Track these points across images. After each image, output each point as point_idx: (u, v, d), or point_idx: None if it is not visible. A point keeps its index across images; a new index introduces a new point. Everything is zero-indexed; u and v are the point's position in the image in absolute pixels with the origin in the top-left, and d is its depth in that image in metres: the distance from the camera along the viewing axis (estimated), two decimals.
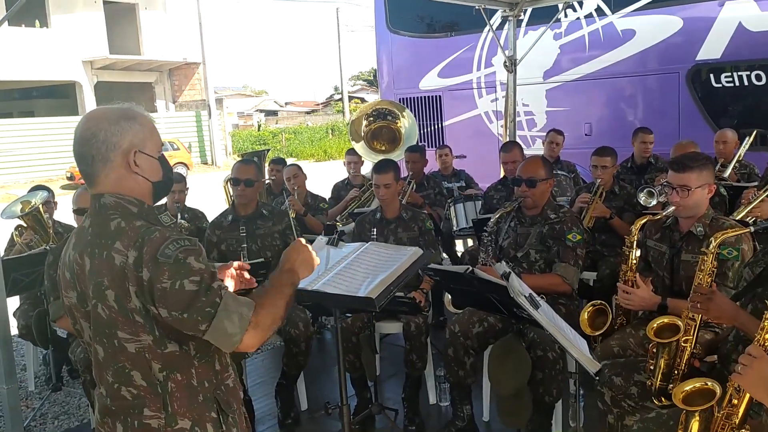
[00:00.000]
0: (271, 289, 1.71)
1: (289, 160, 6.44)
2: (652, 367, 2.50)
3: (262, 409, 3.93)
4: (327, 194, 6.06)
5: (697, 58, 7.12)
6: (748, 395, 1.76)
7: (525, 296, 2.14)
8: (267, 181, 6.10)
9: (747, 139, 5.74)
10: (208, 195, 4.25)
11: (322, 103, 49.33)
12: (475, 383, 3.41)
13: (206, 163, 25.34)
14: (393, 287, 2.27)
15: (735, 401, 1.78)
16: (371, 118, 6.58)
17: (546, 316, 2.15)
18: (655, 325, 2.49)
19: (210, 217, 4.43)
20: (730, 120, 6.97)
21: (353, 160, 6.21)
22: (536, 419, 3.16)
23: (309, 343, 3.68)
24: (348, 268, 2.41)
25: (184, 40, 25.35)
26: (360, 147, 6.43)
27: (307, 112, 45.72)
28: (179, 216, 4.63)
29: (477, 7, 6.26)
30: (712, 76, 7.11)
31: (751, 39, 6.74)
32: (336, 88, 45.48)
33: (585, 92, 8.01)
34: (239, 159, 4.63)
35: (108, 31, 23.51)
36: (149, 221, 1.67)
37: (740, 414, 1.78)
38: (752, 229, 2.49)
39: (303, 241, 1.89)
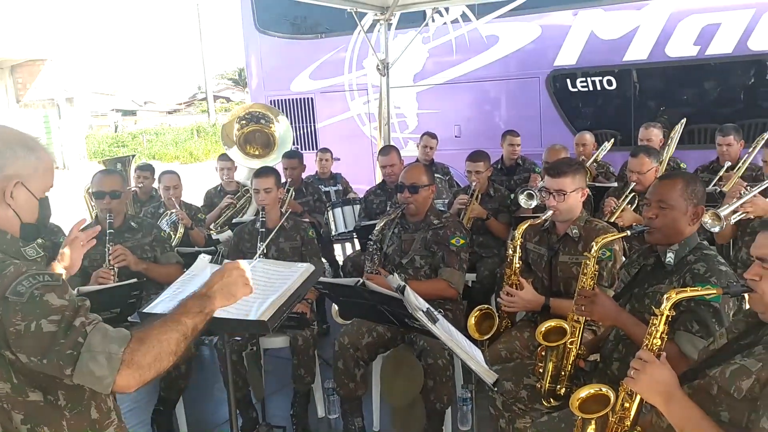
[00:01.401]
0: (166, 318, 1.54)
1: (154, 165, 6.03)
2: (541, 370, 2.57)
3: None
4: (196, 200, 5.74)
5: (555, 64, 7.54)
6: (638, 398, 1.82)
7: (423, 311, 2.10)
8: (133, 189, 5.69)
9: (607, 145, 6.15)
10: (62, 203, 3.87)
11: (185, 103, 47.34)
12: (365, 394, 3.36)
13: (57, 168, 23.43)
14: (286, 307, 2.15)
15: (627, 404, 1.85)
16: (243, 122, 6.35)
17: (444, 330, 2.13)
18: (543, 329, 2.56)
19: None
20: (586, 122, 7.46)
21: (226, 165, 5.94)
22: (428, 425, 3.16)
23: (190, 365, 3.45)
24: None
25: (27, 35, 23.25)
26: (233, 152, 6.18)
27: (169, 112, 43.71)
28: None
29: (348, 9, 6.21)
30: (568, 81, 7.56)
31: (602, 46, 7.25)
32: (199, 87, 43.83)
33: (454, 95, 8.23)
34: (102, 168, 4.23)
35: None
36: (8, 254, 1.48)
37: (632, 416, 1.85)
38: (629, 233, 2.62)
39: (242, 263, 1.72)
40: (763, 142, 4.88)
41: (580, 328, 2.56)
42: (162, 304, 2.29)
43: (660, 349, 1.81)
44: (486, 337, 3.07)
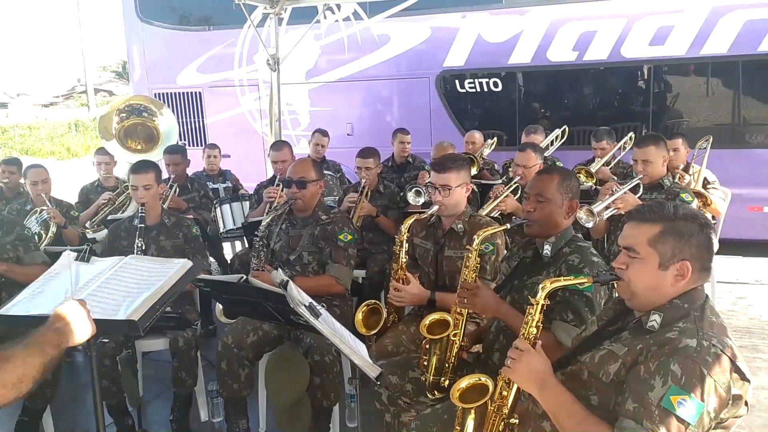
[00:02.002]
0: (29, 343, 1.52)
1: (26, 160, 5.59)
2: (425, 363, 2.59)
3: None
4: (72, 198, 5.37)
5: (444, 64, 7.71)
6: (515, 386, 1.86)
7: (305, 305, 2.05)
8: None
9: (490, 141, 6.36)
10: None
11: (63, 96, 44.47)
12: (250, 395, 3.25)
13: None
14: (159, 306, 2.03)
15: (505, 393, 1.88)
16: (123, 115, 6.02)
17: (327, 324, 2.08)
18: (427, 322, 2.58)
19: None
20: (474, 122, 7.68)
21: (104, 160, 5.59)
22: (314, 423, 3.10)
23: (57, 374, 3.20)
24: (103, 288, 2.10)
25: None
26: (112, 146, 5.84)
27: (45, 105, 40.90)
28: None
29: (237, 2, 6.03)
30: (457, 82, 7.75)
31: (489, 49, 7.48)
32: (79, 80, 41.30)
33: (346, 93, 8.22)
34: None
35: None
36: None
37: (509, 404, 1.88)
38: (508, 226, 2.69)
39: (72, 305, 1.69)
40: (630, 141, 5.23)
41: (463, 320, 2.60)
42: (20, 305, 2.12)
43: (536, 337, 1.85)
44: (373, 332, 3.06)
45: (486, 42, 7.49)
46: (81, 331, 1.70)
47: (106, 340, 3.11)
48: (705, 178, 4.81)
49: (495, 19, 7.42)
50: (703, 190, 4.60)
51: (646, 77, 7.23)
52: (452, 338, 2.57)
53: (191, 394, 3.45)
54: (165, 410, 3.53)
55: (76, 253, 2.26)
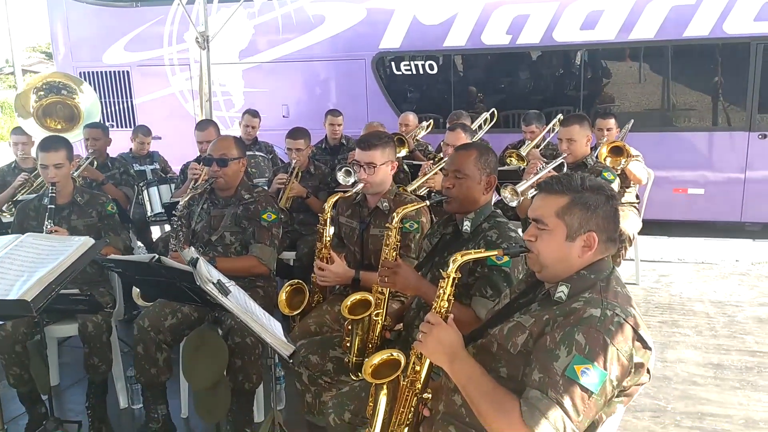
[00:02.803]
0: None
1: None
2: (348, 345, 2.54)
3: None
4: None
5: (380, 46, 7.65)
6: (428, 361, 1.84)
7: (213, 283, 1.98)
8: None
9: (425, 124, 6.36)
10: None
11: None
12: (170, 379, 3.15)
13: None
14: (56, 285, 1.92)
15: (417, 368, 1.86)
16: (42, 93, 5.72)
17: (237, 302, 2.01)
18: (348, 303, 2.53)
19: None
20: (410, 105, 7.66)
21: (21, 140, 5.30)
22: (237, 408, 3.03)
23: None
24: None
25: None
26: (29, 124, 5.55)
27: None
28: None
29: None
30: (393, 64, 7.71)
31: (424, 31, 7.46)
32: (7, 61, 39.33)
33: (281, 74, 8.06)
34: None
35: None
36: None
37: (422, 379, 1.86)
38: (428, 202, 2.67)
39: None
40: (556, 122, 5.32)
41: (384, 299, 2.57)
42: None
43: (447, 311, 1.83)
44: (297, 312, 3.01)
45: (422, 24, 7.46)
46: None
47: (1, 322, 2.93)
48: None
49: (430, 1, 7.39)
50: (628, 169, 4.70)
51: (577, 61, 7.35)
52: (374, 318, 2.54)
53: (106, 380, 3.32)
54: (81, 398, 3.39)
55: None
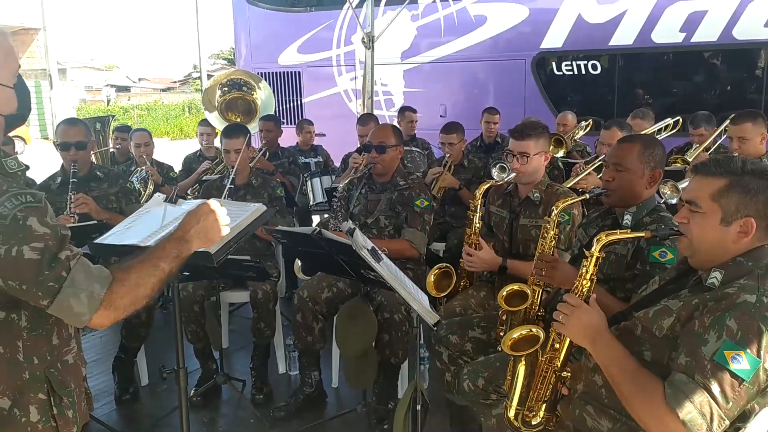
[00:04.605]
0: (144, 261, 1.49)
1: None
2: (501, 334, 2.57)
3: (98, 386, 3.66)
4: (177, 168, 5.75)
5: (542, 46, 7.56)
6: (568, 340, 1.86)
7: (367, 249, 2.13)
8: (111, 150, 5.70)
9: (584, 124, 6.20)
10: (48, 172, 3.94)
11: (179, 81, 47.08)
12: (323, 349, 3.39)
13: (47, 138, 23.31)
14: (234, 242, 2.17)
15: (557, 345, 1.88)
16: (225, 89, 6.35)
17: (387, 269, 2.16)
18: (505, 293, 2.53)
19: None
20: (570, 106, 7.47)
21: (206, 131, 5.95)
22: (383, 381, 3.20)
23: (151, 314, 3.48)
24: None
25: (21, 3, 23.05)
26: (214, 117, 6.18)
27: (163, 90, 43.48)
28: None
29: None
30: (554, 63, 7.58)
31: (589, 30, 7.26)
32: (195, 66, 43.51)
33: (440, 75, 8.23)
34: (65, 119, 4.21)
35: None
36: None
37: (562, 357, 1.88)
38: (587, 196, 2.63)
39: (213, 203, 1.66)
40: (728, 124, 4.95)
41: (539, 291, 2.56)
42: (114, 236, 2.32)
43: (590, 291, 1.84)
44: (443, 294, 3.10)
45: (586, 23, 7.28)
46: (207, 234, 1.63)
47: (187, 279, 3.28)
48: None
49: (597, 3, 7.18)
50: None
51: (761, 62, 6.77)
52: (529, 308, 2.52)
53: (269, 345, 3.64)
54: (247, 360, 3.75)
55: (164, 195, 2.45)
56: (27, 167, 1.55)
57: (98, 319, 1.39)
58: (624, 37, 7.11)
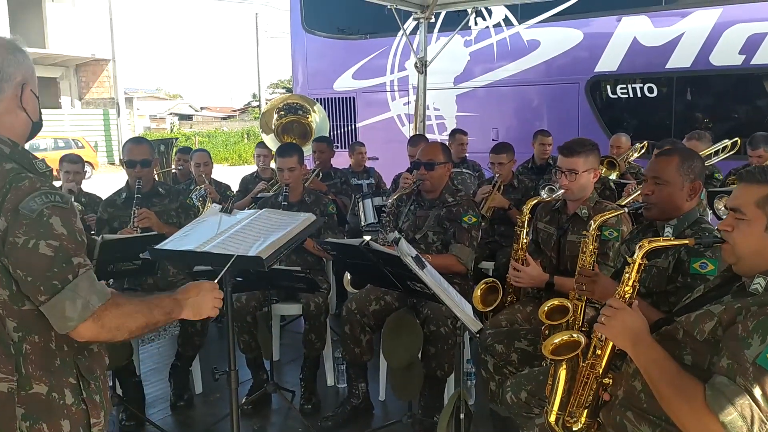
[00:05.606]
0: (143, 301, 1.61)
1: None
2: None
3: (154, 392, 3.82)
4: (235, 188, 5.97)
5: (596, 69, 7.53)
6: (610, 345, 1.86)
7: (411, 257, 2.20)
8: (173, 171, 5.96)
9: (638, 146, 6.12)
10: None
11: (239, 110, 48.51)
12: (371, 362, 3.45)
13: (113, 164, 24.38)
14: (284, 249, 2.28)
15: (599, 351, 1.89)
16: (282, 112, 6.56)
17: (432, 277, 2.21)
18: (546, 308, 2.55)
19: None
20: (625, 130, 7.37)
21: (263, 153, 6.14)
22: (428, 393, 3.22)
23: (206, 324, 3.62)
24: (240, 232, 2.39)
25: (92, 36, 24.38)
26: (270, 140, 6.39)
27: (224, 118, 44.86)
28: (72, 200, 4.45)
29: (389, 7, 6.37)
30: (608, 87, 7.54)
31: (645, 53, 7.20)
32: (254, 95, 44.85)
33: (493, 99, 8.29)
34: (132, 137, 4.45)
35: (11, 23, 22.27)
36: (22, 165, 1.54)
37: (603, 363, 1.88)
38: (626, 210, 2.64)
39: (209, 286, 1.80)
40: None
41: (581, 306, 2.56)
42: (173, 242, 2.46)
43: (632, 297, 1.85)
44: (489, 309, 3.12)
45: (642, 45, 7.22)
46: (200, 308, 1.75)
47: (240, 278, 3.37)
48: None
49: (654, 22, 7.13)
50: None
51: None
52: (571, 324, 2.52)
53: (319, 357, 3.72)
54: (297, 372, 3.83)
55: (220, 206, 2.59)
56: (51, 169, 1.67)
57: (83, 329, 1.46)
58: (681, 59, 7.02)
